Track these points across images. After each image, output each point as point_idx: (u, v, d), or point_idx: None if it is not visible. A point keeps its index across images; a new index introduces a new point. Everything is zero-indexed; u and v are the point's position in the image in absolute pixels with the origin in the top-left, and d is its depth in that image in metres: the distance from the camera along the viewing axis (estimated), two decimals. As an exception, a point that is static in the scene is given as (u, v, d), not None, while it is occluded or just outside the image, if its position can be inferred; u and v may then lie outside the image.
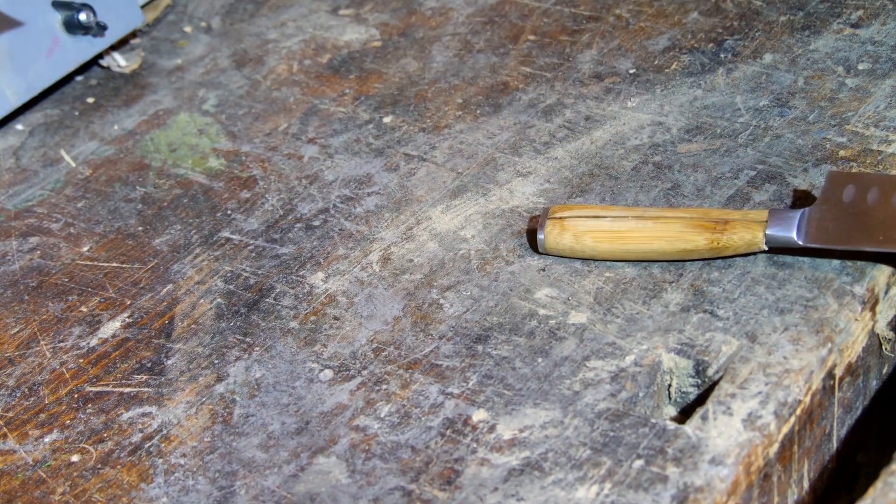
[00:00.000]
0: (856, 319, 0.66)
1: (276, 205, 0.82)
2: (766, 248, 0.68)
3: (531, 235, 0.75)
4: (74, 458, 0.67)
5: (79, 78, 1.01)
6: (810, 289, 0.68)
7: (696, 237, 0.69)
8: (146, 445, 0.66)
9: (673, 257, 0.70)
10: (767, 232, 0.68)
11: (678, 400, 0.67)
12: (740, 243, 0.68)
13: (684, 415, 0.66)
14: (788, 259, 0.70)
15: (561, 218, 0.72)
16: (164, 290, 0.77)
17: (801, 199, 0.73)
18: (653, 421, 0.62)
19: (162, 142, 0.91)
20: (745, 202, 0.74)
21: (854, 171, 0.73)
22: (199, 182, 0.86)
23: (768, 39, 0.88)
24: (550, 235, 0.71)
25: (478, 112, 0.88)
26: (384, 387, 0.67)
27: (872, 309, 0.68)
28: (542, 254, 0.73)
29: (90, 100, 0.98)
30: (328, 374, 0.68)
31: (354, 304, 0.73)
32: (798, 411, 0.63)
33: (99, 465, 0.66)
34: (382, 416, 0.65)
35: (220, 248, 0.79)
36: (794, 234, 0.68)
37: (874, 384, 0.72)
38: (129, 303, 0.76)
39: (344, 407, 0.66)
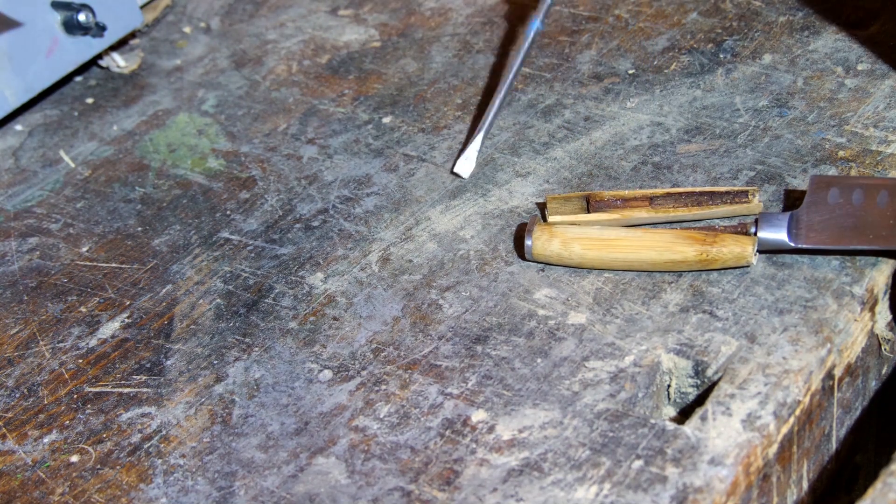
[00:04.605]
0: (855, 320, 0.66)
1: (276, 205, 0.82)
2: (754, 263, 0.69)
3: (518, 243, 0.75)
4: (74, 458, 0.67)
5: (78, 78, 1.01)
6: (809, 289, 0.68)
7: (686, 248, 0.69)
8: (145, 446, 0.66)
9: (661, 268, 0.70)
10: (759, 235, 0.69)
11: (677, 400, 0.67)
12: (729, 256, 0.68)
13: (683, 415, 0.66)
14: (787, 259, 0.70)
15: (550, 224, 0.72)
16: (164, 290, 0.77)
17: (792, 198, 0.74)
18: (652, 421, 0.62)
19: (161, 142, 0.91)
20: (745, 203, 0.74)
21: (836, 175, 0.74)
22: (199, 182, 0.86)
23: (767, 40, 0.88)
24: (538, 242, 0.71)
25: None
26: (383, 387, 0.67)
27: (872, 309, 0.68)
28: (530, 261, 0.73)
29: (89, 100, 0.98)
30: (327, 374, 0.68)
31: (353, 304, 0.73)
32: (797, 412, 0.63)
33: (98, 466, 0.66)
34: (382, 416, 0.65)
35: (219, 249, 0.79)
36: (785, 237, 0.68)
37: (873, 385, 0.72)
38: (128, 303, 0.76)
39: (343, 407, 0.66)
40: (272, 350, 0.71)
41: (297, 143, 0.88)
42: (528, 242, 0.72)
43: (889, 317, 0.70)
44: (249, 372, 0.70)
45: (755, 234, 0.69)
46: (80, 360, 0.73)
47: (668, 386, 0.66)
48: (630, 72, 0.88)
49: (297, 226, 0.80)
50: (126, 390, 0.70)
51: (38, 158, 0.92)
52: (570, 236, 0.71)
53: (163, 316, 0.75)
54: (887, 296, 0.69)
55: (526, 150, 0.83)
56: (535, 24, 0.83)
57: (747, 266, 0.69)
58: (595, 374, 0.65)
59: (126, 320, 0.75)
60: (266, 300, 0.74)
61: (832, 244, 0.68)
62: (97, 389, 0.71)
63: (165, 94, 0.97)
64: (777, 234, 0.68)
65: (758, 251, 0.69)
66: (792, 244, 0.68)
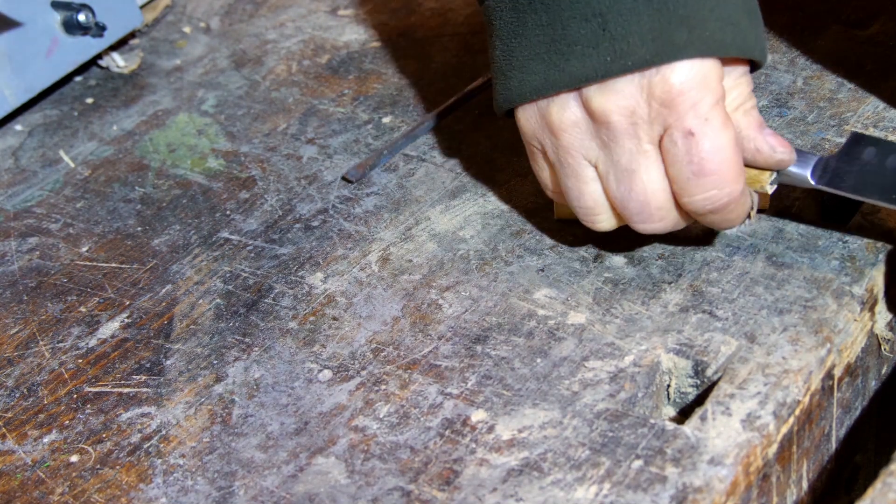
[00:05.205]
0: (855, 320, 0.66)
1: (275, 205, 0.82)
2: (769, 192, 0.67)
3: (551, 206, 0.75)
4: (73, 458, 0.67)
5: (78, 78, 1.01)
6: (809, 289, 0.68)
7: None
8: (145, 446, 0.66)
9: None
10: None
11: (677, 400, 0.67)
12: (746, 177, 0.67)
13: (683, 415, 0.66)
14: (787, 260, 0.70)
15: None
16: (163, 290, 0.77)
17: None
18: (652, 421, 0.62)
19: (161, 142, 0.91)
20: (744, 202, 0.74)
21: (876, 136, 0.72)
22: (198, 182, 0.86)
23: (767, 39, 0.88)
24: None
25: (477, 112, 0.88)
26: (383, 387, 0.67)
27: (871, 309, 0.68)
28: (559, 220, 0.74)
29: (89, 100, 0.98)
30: (327, 374, 0.68)
31: (353, 304, 0.73)
32: (797, 412, 0.63)
33: (98, 466, 0.66)
34: (381, 416, 0.65)
35: (219, 249, 0.79)
36: (808, 173, 0.67)
37: (873, 384, 0.72)
38: (128, 303, 0.76)
39: (343, 407, 0.66)
40: (272, 350, 0.71)
41: (296, 143, 0.88)
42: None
43: (889, 316, 0.70)
44: (249, 372, 0.70)
45: None
46: (80, 360, 0.73)
47: (668, 386, 0.66)
48: (630, 72, 0.88)
49: (297, 226, 0.80)
50: (126, 390, 0.70)
51: (38, 158, 0.92)
52: None
53: (162, 316, 0.75)
54: (887, 298, 0.69)
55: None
56: (428, 124, 0.87)
57: (762, 192, 0.67)
58: (595, 374, 0.65)
59: (126, 320, 0.75)
60: (266, 300, 0.74)
61: (852, 193, 0.66)
62: (97, 389, 0.71)
63: (165, 94, 0.97)
64: (801, 169, 0.67)
65: (779, 182, 0.68)
66: (813, 182, 0.67)
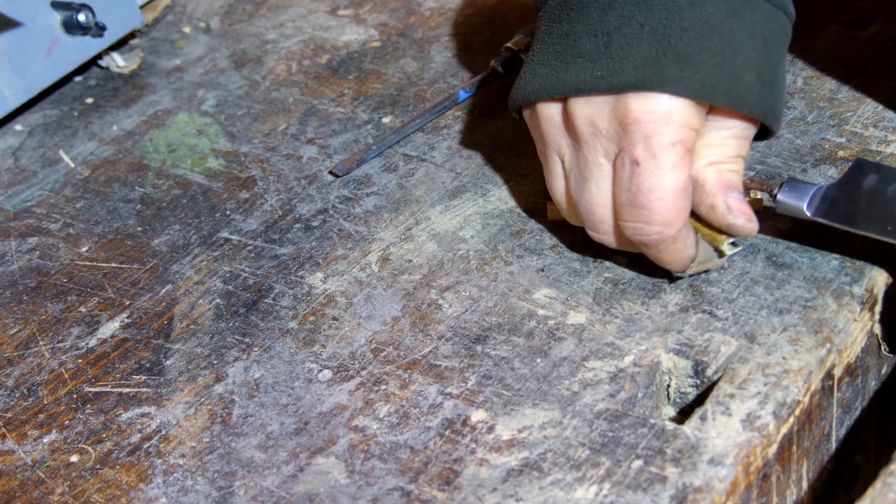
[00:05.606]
0: (855, 320, 0.66)
1: (275, 205, 0.82)
2: (728, 253, 0.68)
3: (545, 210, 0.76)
4: (73, 458, 0.67)
5: (78, 78, 1.01)
6: (809, 289, 0.68)
7: None
8: (145, 446, 0.66)
9: None
10: (779, 197, 0.67)
11: (677, 400, 0.67)
12: (706, 231, 0.67)
13: (683, 415, 0.66)
14: (787, 259, 0.70)
15: None
16: (163, 290, 0.77)
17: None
18: (652, 421, 0.62)
19: (161, 142, 0.91)
20: (744, 202, 0.74)
21: (881, 163, 0.72)
22: (198, 182, 0.86)
23: (767, 40, 0.88)
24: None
25: (476, 112, 0.88)
26: (383, 387, 0.67)
27: (871, 309, 0.68)
28: (552, 220, 0.75)
29: (89, 100, 0.98)
30: (327, 374, 0.68)
31: (353, 304, 0.73)
32: (797, 412, 0.63)
33: (98, 466, 0.66)
34: (381, 416, 0.65)
35: (218, 249, 0.79)
36: (804, 205, 0.67)
37: (873, 384, 0.72)
38: (127, 303, 0.76)
39: (343, 407, 0.66)
40: (272, 350, 0.71)
41: (296, 143, 0.88)
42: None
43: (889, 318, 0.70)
44: (249, 372, 0.70)
45: (776, 195, 0.68)
46: (80, 360, 0.73)
47: (668, 386, 0.66)
48: (630, 72, 0.88)
49: (297, 226, 0.80)
50: (126, 390, 0.70)
51: (38, 158, 0.92)
52: None
53: (162, 316, 0.75)
54: (885, 302, 0.69)
55: (526, 149, 0.83)
56: (462, 94, 0.89)
57: (718, 253, 0.68)
58: (595, 374, 0.65)
59: (126, 320, 0.75)
60: (266, 300, 0.74)
61: (848, 226, 0.66)
62: (97, 389, 0.71)
63: (165, 94, 0.97)
64: (798, 201, 0.67)
65: (777, 212, 0.68)
66: (808, 214, 0.67)
